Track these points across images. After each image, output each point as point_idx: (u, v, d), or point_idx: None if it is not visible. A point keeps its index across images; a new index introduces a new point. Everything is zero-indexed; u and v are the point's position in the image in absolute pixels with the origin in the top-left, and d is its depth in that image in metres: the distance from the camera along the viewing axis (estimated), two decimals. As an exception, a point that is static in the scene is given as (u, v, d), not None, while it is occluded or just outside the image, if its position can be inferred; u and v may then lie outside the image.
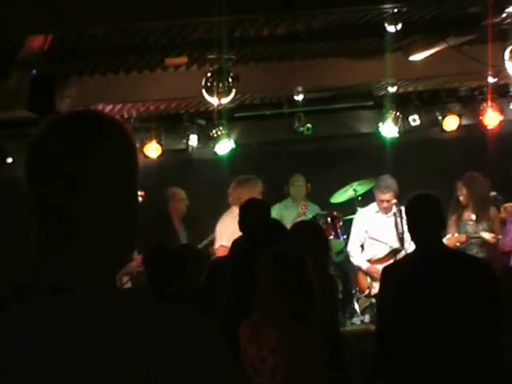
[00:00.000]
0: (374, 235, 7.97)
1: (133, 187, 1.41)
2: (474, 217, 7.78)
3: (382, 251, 7.88)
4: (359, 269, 8.01)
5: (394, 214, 7.85)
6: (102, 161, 1.36)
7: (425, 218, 4.16)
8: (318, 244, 4.61)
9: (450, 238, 7.46)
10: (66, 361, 1.27)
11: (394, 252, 7.70)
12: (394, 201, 7.91)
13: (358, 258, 8.01)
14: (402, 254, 7.51)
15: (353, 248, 8.07)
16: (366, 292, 7.83)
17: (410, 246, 7.60)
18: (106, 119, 1.43)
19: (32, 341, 1.28)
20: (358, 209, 8.43)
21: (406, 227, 7.68)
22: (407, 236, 7.65)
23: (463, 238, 7.60)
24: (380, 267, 7.74)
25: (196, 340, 1.31)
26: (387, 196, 7.92)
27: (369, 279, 7.90)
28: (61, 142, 1.37)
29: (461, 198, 7.91)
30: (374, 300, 7.63)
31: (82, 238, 1.36)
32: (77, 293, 1.32)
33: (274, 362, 3.63)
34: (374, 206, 8.09)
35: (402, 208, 7.72)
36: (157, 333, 1.30)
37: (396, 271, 4.34)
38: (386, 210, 7.97)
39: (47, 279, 1.34)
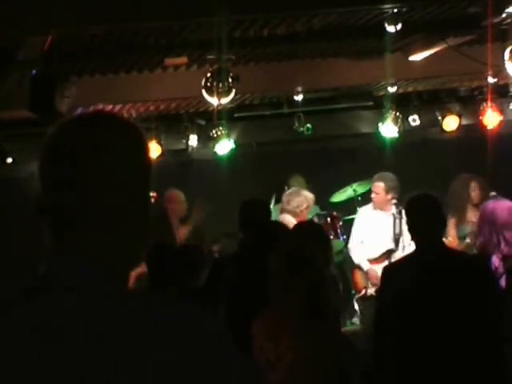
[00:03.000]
0: (370, 234, 7.90)
1: (143, 188, 1.41)
2: (474, 218, 7.79)
3: (377, 251, 7.85)
4: (358, 268, 7.94)
5: (393, 214, 7.82)
6: (109, 161, 1.37)
7: (425, 218, 4.16)
8: (319, 244, 4.61)
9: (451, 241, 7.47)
10: (72, 360, 1.28)
11: (389, 253, 7.68)
12: (391, 198, 7.87)
13: (359, 257, 7.91)
14: (397, 255, 7.50)
15: (353, 246, 7.97)
16: (362, 292, 7.78)
17: (404, 248, 7.67)
18: (116, 120, 1.44)
19: (40, 340, 1.29)
20: (358, 208, 8.40)
21: (404, 229, 7.72)
22: (404, 238, 7.72)
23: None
24: (376, 267, 7.76)
25: (206, 337, 1.32)
26: (375, 185, 7.88)
27: (366, 278, 7.85)
28: (70, 142, 1.38)
29: (474, 197, 7.93)
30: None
31: (91, 238, 1.37)
32: (80, 293, 1.32)
33: (290, 359, 3.66)
34: (372, 205, 8.08)
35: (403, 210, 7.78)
36: (165, 332, 1.30)
37: (396, 271, 4.34)
38: (375, 204, 7.90)
39: (54, 279, 1.34)
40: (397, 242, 7.70)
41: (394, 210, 7.85)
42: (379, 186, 7.86)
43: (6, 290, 1.38)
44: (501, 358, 3.96)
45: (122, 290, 1.38)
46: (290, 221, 7.12)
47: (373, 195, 7.91)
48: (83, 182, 1.36)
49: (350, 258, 8.04)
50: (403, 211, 7.67)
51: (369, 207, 8.09)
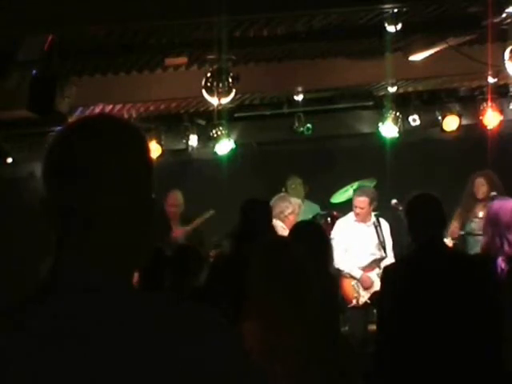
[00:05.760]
0: (355, 245, 7.89)
1: (145, 188, 1.43)
2: (481, 214, 7.81)
3: (365, 260, 7.87)
4: (346, 277, 7.84)
5: (374, 223, 7.87)
6: (110, 163, 1.38)
7: (425, 218, 4.16)
8: (319, 243, 4.61)
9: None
10: (94, 360, 1.29)
11: (379, 260, 7.73)
12: (372, 210, 7.91)
13: (349, 266, 7.84)
14: (386, 261, 7.49)
15: (338, 257, 7.63)
16: (354, 302, 7.73)
17: (391, 254, 7.85)
18: (118, 123, 1.45)
19: (54, 343, 1.29)
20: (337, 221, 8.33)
21: (386, 236, 7.84)
22: (388, 245, 7.82)
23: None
24: (369, 275, 7.79)
25: (215, 335, 1.35)
26: (360, 200, 7.89)
27: (357, 287, 7.83)
28: (71, 145, 1.39)
29: (479, 193, 7.96)
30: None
31: (100, 241, 1.38)
32: (88, 293, 1.34)
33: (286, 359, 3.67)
34: (352, 215, 8.06)
35: (381, 219, 7.87)
36: (185, 330, 1.33)
37: (396, 271, 4.34)
38: (359, 217, 7.92)
39: (70, 280, 1.35)
40: (384, 249, 7.77)
41: (373, 219, 7.89)
42: (364, 201, 7.90)
43: (11, 293, 1.38)
44: (502, 358, 3.96)
45: (127, 290, 1.40)
46: (279, 225, 7.12)
47: (358, 210, 7.91)
48: (85, 184, 1.36)
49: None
50: (381, 219, 7.86)
51: (348, 219, 8.07)
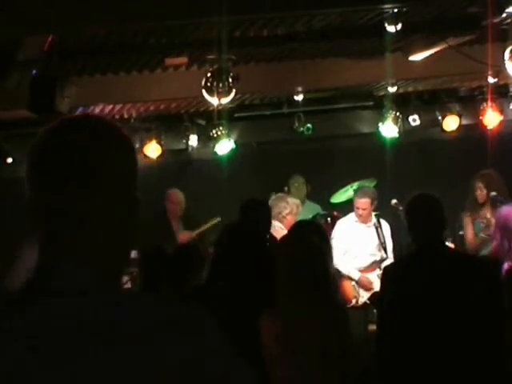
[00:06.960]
0: (356, 245, 7.91)
1: (129, 189, 1.42)
2: (488, 215, 7.80)
3: (366, 261, 7.88)
4: (345, 278, 7.85)
5: (374, 224, 7.87)
6: (96, 165, 1.37)
7: (425, 218, 4.16)
8: (319, 243, 4.60)
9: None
10: (93, 360, 1.28)
11: (380, 261, 7.74)
12: (373, 210, 7.92)
13: (347, 267, 7.85)
14: (387, 262, 7.49)
15: (337, 258, 7.62)
16: (353, 302, 7.74)
17: (391, 255, 7.85)
18: (106, 123, 1.44)
19: (48, 344, 1.28)
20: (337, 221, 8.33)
21: (387, 237, 7.84)
22: (388, 246, 7.82)
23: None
24: (369, 276, 7.80)
25: (206, 336, 1.35)
26: (362, 202, 7.90)
27: (357, 287, 7.83)
28: (56, 147, 1.37)
29: (479, 197, 7.96)
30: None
31: (92, 241, 1.36)
32: (99, 293, 1.33)
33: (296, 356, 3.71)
34: (352, 216, 8.07)
35: (382, 220, 7.87)
36: (185, 330, 1.32)
37: (396, 271, 4.34)
38: (362, 218, 7.93)
39: (65, 280, 1.34)
40: (385, 250, 7.77)
41: (374, 220, 7.90)
42: (366, 202, 7.91)
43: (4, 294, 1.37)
44: (502, 358, 3.96)
45: (125, 290, 1.39)
46: (277, 226, 7.10)
47: (360, 212, 7.93)
48: (77, 183, 1.35)
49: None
50: (382, 222, 7.86)
51: (349, 219, 8.08)
